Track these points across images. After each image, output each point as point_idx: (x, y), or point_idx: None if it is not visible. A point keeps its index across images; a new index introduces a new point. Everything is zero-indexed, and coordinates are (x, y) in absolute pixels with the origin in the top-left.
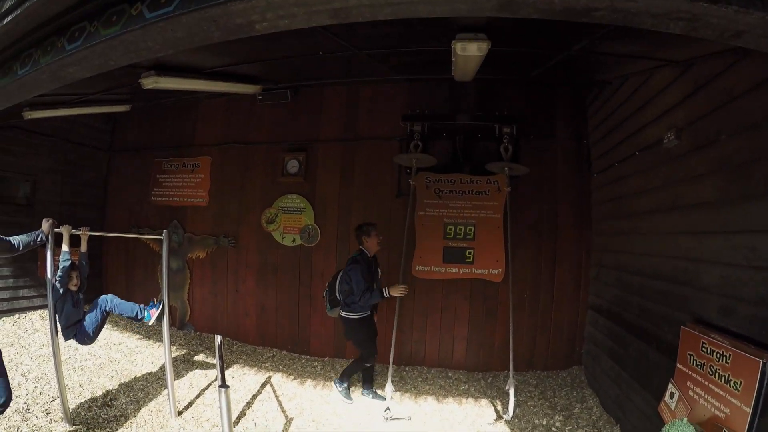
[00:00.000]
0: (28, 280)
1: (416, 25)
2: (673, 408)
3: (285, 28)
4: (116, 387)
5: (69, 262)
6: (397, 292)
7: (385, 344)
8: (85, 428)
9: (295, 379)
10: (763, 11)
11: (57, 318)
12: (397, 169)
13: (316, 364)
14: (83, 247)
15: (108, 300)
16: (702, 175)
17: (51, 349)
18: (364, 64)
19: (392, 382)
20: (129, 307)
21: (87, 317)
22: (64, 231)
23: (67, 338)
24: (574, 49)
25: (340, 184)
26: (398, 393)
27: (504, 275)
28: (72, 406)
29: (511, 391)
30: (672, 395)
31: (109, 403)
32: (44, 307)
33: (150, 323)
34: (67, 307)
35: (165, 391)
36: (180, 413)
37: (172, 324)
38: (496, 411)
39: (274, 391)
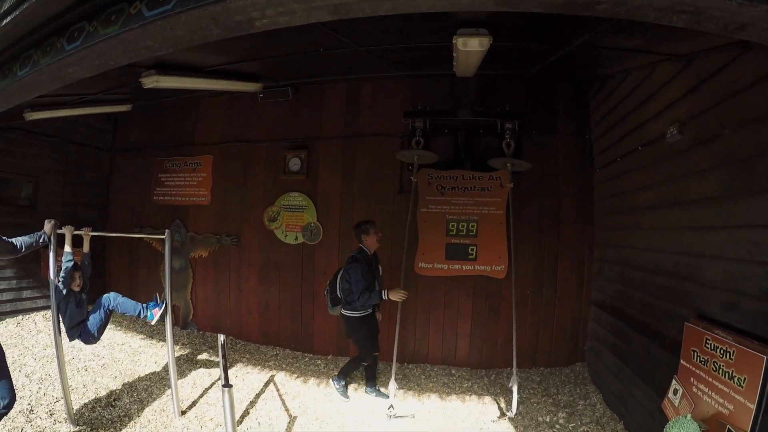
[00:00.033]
0: (31, 281)
1: (416, 21)
2: (676, 405)
3: (285, 25)
4: (120, 387)
5: (72, 262)
6: (396, 296)
7: (388, 342)
8: (89, 429)
9: (298, 377)
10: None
11: (61, 319)
12: (399, 165)
13: (319, 362)
14: (86, 248)
15: (111, 299)
16: (705, 169)
17: (54, 350)
18: (365, 61)
19: (395, 379)
20: (131, 306)
21: (91, 317)
22: (67, 232)
23: (71, 339)
24: (576, 44)
25: (342, 181)
26: (402, 390)
27: (507, 272)
28: (76, 406)
29: (515, 388)
30: (675, 392)
31: (113, 404)
32: (47, 308)
33: (152, 322)
34: (71, 308)
35: (168, 391)
36: (183, 413)
37: (175, 323)
38: (500, 408)
39: (278, 390)
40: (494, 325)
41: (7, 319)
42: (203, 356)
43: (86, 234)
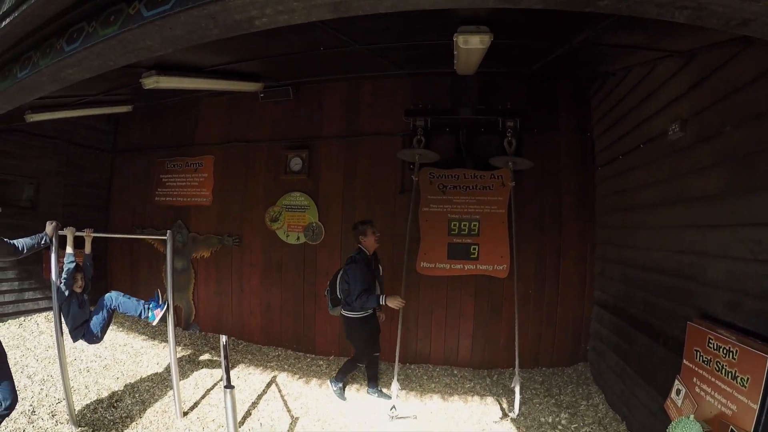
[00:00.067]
0: (33, 282)
1: (417, 18)
2: (679, 405)
3: (284, 24)
4: (122, 388)
5: (74, 264)
6: (394, 303)
7: (391, 342)
8: (90, 430)
9: (300, 378)
10: None
11: (64, 320)
12: (400, 165)
13: (321, 362)
14: (87, 249)
15: (113, 298)
16: (707, 167)
17: (56, 351)
18: (365, 60)
19: (398, 380)
20: (133, 307)
21: (93, 317)
22: (68, 233)
23: (75, 339)
24: (577, 41)
25: (344, 180)
26: (404, 391)
27: (509, 271)
28: (78, 407)
29: (517, 389)
30: (678, 392)
31: (115, 405)
32: (49, 309)
33: (153, 323)
34: (73, 309)
35: (170, 392)
36: (185, 414)
37: (177, 324)
38: (502, 409)
39: (280, 391)
40: (496, 325)
41: (9, 320)
42: (205, 357)
43: (88, 235)
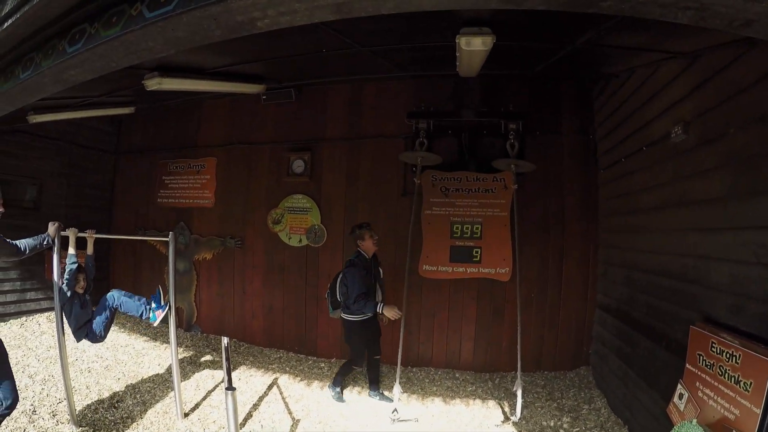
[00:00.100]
0: (35, 282)
1: (419, 20)
2: (682, 409)
3: (287, 25)
4: (123, 389)
5: (76, 264)
6: (390, 313)
7: (393, 345)
8: (91, 430)
9: (302, 380)
10: None
11: (66, 321)
12: (403, 167)
13: (323, 365)
14: (89, 250)
15: (115, 297)
16: (710, 169)
17: (58, 351)
18: (368, 61)
19: (399, 383)
20: (135, 307)
21: (96, 317)
22: (71, 234)
23: (79, 339)
24: (580, 42)
25: (346, 183)
26: (405, 394)
27: (511, 274)
28: (79, 407)
29: (519, 392)
30: (681, 396)
31: (116, 405)
32: (51, 309)
33: (155, 324)
34: (76, 309)
35: (172, 393)
36: (186, 415)
37: (178, 326)
38: (504, 412)
39: (281, 393)
40: (498, 328)
41: (11, 321)
42: (207, 358)
43: (90, 236)
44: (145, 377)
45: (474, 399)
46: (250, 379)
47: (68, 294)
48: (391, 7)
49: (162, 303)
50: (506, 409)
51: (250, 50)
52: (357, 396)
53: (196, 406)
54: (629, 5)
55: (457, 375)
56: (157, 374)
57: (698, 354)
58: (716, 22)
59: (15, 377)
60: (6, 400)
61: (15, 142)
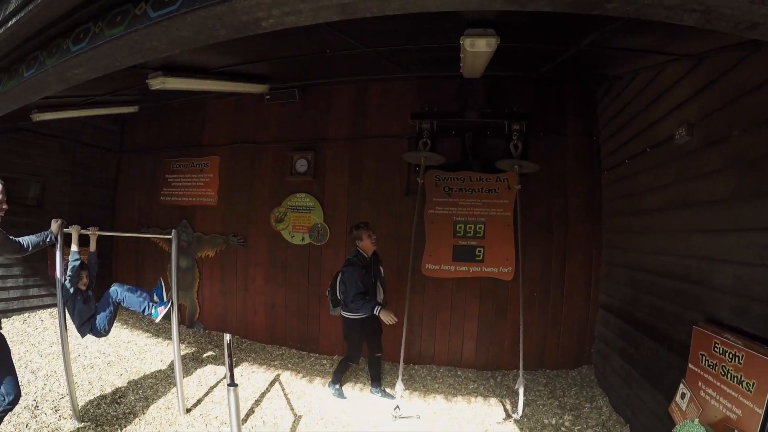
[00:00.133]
0: (38, 279)
1: (424, 21)
2: (684, 409)
3: (291, 25)
4: (125, 384)
5: (78, 261)
6: (386, 317)
7: (395, 342)
8: (93, 425)
9: (303, 377)
10: None
11: (70, 317)
12: (406, 167)
13: (324, 362)
14: (92, 247)
15: (118, 292)
16: (714, 171)
17: (61, 347)
18: (372, 62)
19: (402, 380)
20: (137, 302)
21: (99, 312)
22: (73, 231)
23: (83, 335)
24: (584, 44)
25: (349, 182)
26: (407, 391)
27: (514, 274)
28: (81, 403)
29: (521, 390)
30: (683, 396)
31: (118, 401)
32: (54, 305)
33: (157, 320)
34: (79, 306)
35: (174, 389)
36: (188, 411)
37: (181, 322)
38: (505, 410)
39: (283, 389)
40: (501, 327)
41: (14, 316)
42: (209, 355)
43: (93, 233)
44: (147, 373)
45: (476, 396)
46: (252, 376)
47: (71, 291)
48: (396, 8)
49: (165, 299)
50: (508, 406)
51: (255, 50)
52: (359, 393)
53: (198, 401)
54: (635, 7)
55: (459, 373)
56: (160, 370)
57: (701, 354)
58: (722, 24)
59: (17, 373)
60: (8, 396)
61: (19, 140)
